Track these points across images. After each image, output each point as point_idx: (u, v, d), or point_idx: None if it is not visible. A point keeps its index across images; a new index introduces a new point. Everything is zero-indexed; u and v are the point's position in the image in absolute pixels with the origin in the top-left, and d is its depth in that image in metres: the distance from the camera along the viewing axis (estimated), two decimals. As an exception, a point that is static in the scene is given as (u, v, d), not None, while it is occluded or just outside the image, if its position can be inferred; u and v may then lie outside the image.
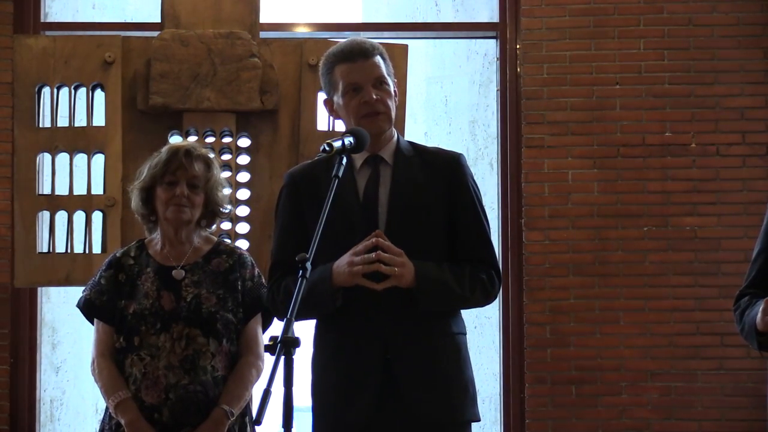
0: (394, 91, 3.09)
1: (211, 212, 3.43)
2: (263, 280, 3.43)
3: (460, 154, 3.13)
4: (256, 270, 3.45)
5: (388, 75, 3.06)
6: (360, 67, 3.02)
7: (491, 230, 3.15)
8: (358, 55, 3.02)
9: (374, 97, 3.00)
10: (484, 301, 3.08)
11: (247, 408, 3.40)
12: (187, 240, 3.40)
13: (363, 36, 3.79)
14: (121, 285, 3.36)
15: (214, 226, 3.54)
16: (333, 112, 3.13)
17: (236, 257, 3.42)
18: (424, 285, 2.93)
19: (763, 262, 3.05)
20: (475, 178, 3.16)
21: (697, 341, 5.64)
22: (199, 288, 3.34)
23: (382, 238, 2.92)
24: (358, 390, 2.95)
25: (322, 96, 4.43)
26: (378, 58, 3.04)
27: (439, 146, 3.27)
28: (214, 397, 3.28)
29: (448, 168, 3.08)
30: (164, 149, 3.40)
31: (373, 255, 2.88)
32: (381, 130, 3.05)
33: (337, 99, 3.07)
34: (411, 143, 3.16)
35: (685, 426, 5.60)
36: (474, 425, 3.08)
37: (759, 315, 2.84)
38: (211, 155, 3.48)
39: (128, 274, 3.37)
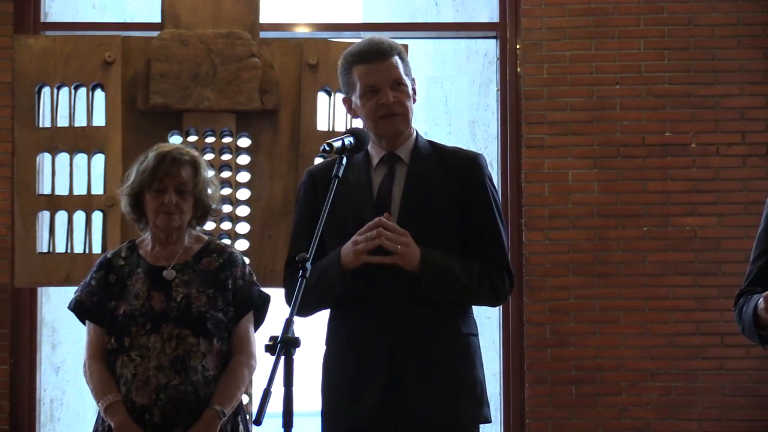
0: (413, 90, 3.08)
1: (202, 212, 3.42)
2: (254, 278, 3.44)
3: (479, 154, 3.12)
4: (248, 268, 3.44)
5: (406, 75, 3.06)
6: (377, 69, 3.01)
7: (508, 233, 3.13)
8: (375, 56, 3.02)
9: (391, 99, 3.00)
10: (492, 296, 3.07)
11: (240, 408, 3.39)
12: (178, 241, 3.39)
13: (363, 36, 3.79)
14: (111, 286, 3.35)
15: (213, 225, 3.53)
16: (351, 111, 3.13)
17: (226, 256, 3.40)
18: (429, 270, 2.92)
19: (764, 263, 3.04)
20: (493, 179, 3.13)
21: (697, 341, 5.64)
22: (189, 288, 3.32)
23: (389, 220, 2.92)
24: (362, 390, 2.96)
25: (322, 96, 4.52)
26: (396, 59, 3.04)
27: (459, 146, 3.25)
28: (205, 397, 3.26)
29: (465, 168, 3.07)
30: (151, 154, 3.35)
31: (374, 232, 2.88)
32: (398, 132, 3.06)
33: (355, 99, 3.07)
34: (430, 142, 3.15)
35: (685, 426, 5.59)
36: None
37: (761, 301, 2.79)
38: (197, 154, 3.44)
39: (118, 274, 3.36)
